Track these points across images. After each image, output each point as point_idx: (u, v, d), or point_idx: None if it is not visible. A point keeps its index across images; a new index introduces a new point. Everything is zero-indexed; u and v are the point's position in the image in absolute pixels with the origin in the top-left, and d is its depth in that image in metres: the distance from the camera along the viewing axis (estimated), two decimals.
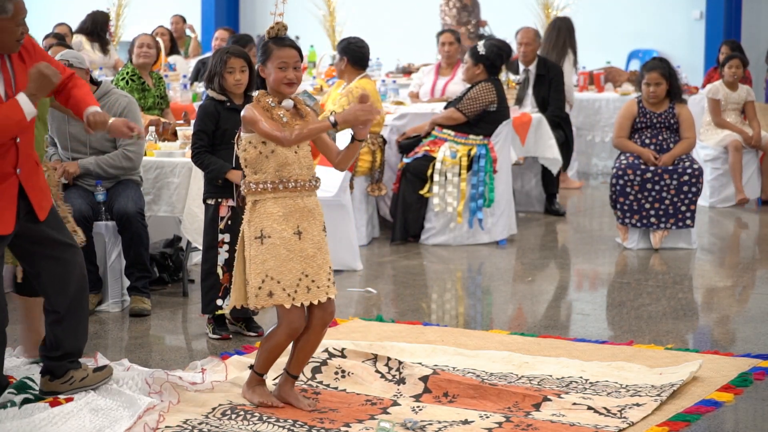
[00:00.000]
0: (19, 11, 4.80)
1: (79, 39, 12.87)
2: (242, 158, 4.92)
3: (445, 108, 9.35)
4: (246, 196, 4.92)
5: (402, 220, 9.09)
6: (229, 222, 6.22)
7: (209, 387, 5.17)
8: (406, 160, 9.16)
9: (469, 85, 9.28)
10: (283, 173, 4.87)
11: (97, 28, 13.17)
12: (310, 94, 4.87)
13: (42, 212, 5.00)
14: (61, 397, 5.02)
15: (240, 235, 4.97)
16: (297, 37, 16.45)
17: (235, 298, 5.00)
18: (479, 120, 9.06)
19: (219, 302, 6.27)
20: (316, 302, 4.89)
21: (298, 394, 5.06)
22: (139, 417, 4.76)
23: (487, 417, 4.89)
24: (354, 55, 9.02)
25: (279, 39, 4.92)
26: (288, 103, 4.93)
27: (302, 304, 4.88)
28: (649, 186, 8.84)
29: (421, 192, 9.03)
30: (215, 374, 5.33)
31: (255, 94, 4.96)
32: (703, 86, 12.80)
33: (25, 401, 4.97)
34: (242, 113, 4.89)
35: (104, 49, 13.03)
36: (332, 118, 4.81)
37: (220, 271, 6.26)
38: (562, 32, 11.45)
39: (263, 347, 5.01)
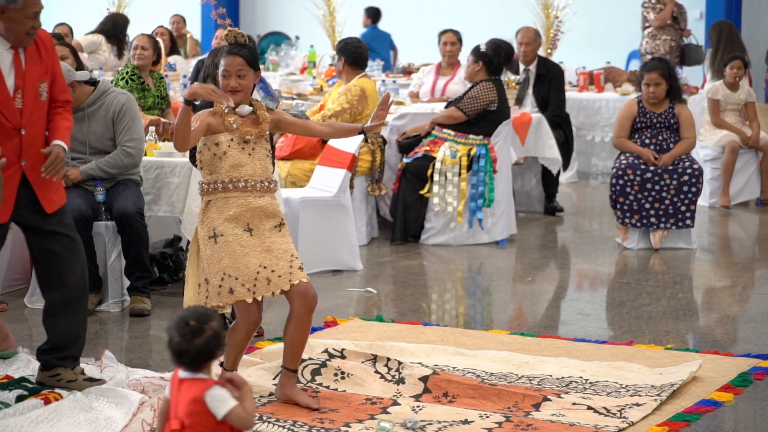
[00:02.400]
0: (29, 4, 4.81)
1: (99, 39, 12.87)
2: (198, 160, 5.02)
3: (446, 107, 9.35)
4: (202, 197, 5.00)
5: (402, 220, 9.08)
6: None
7: None
8: (406, 160, 9.15)
9: (469, 85, 9.28)
10: (235, 174, 4.93)
11: (116, 30, 13.15)
12: (271, 98, 4.87)
13: (50, 205, 5.01)
14: (53, 393, 5.01)
15: (193, 235, 5.03)
16: (297, 37, 16.43)
17: (188, 298, 5.03)
18: (479, 119, 9.06)
19: None
20: (278, 292, 4.90)
21: (301, 391, 5.06)
22: (134, 414, 4.75)
23: (487, 417, 4.89)
24: (351, 55, 9.06)
25: (230, 45, 4.97)
26: (244, 109, 4.97)
27: (255, 299, 4.90)
28: (649, 186, 8.84)
29: (421, 192, 9.02)
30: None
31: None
32: (703, 86, 12.78)
33: (19, 398, 4.96)
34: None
35: (120, 53, 13.00)
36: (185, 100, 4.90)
37: None
38: (724, 33, 12.11)
39: (227, 344, 5.06)
